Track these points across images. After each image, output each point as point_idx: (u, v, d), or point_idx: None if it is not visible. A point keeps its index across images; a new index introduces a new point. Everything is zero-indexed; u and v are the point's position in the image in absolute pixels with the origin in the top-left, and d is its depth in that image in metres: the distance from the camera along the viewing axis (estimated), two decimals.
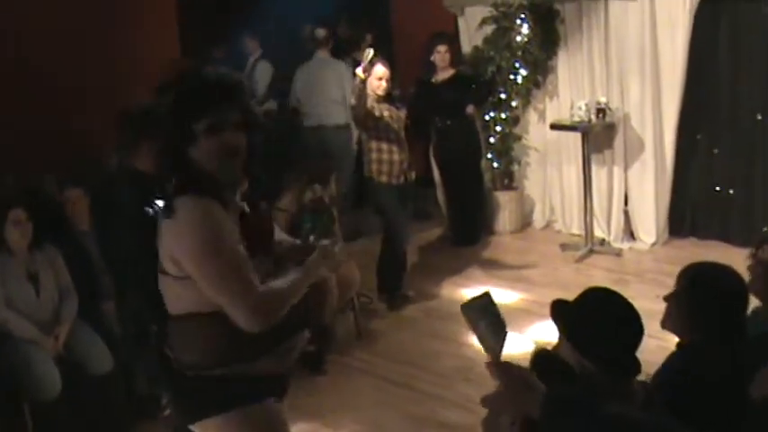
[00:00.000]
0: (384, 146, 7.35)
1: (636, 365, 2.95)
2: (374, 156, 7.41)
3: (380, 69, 7.32)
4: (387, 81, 7.34)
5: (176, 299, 3.20)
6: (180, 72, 3.20)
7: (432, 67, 8.87)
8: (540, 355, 3.00)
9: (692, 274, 3.50)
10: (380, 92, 7.32)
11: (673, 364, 3.42)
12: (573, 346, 2.93)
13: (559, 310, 3.04)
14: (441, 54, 8.79)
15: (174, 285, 3.17)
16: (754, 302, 3.80)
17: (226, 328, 3.11)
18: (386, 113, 7.35)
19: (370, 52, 7.00)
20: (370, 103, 7.27)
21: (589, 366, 2.88)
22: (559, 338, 3.02)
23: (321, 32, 9.49)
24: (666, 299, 3.53)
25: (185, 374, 3.25)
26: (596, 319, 2.96)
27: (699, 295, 3.40)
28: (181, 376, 3.27)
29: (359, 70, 6.97)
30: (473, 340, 6.98)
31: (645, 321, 2.97)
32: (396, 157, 7.38)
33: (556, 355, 3.05)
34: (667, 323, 3.51)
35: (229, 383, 3.20)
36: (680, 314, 3.45)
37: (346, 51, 9.93)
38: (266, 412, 3.32)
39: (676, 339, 3.55)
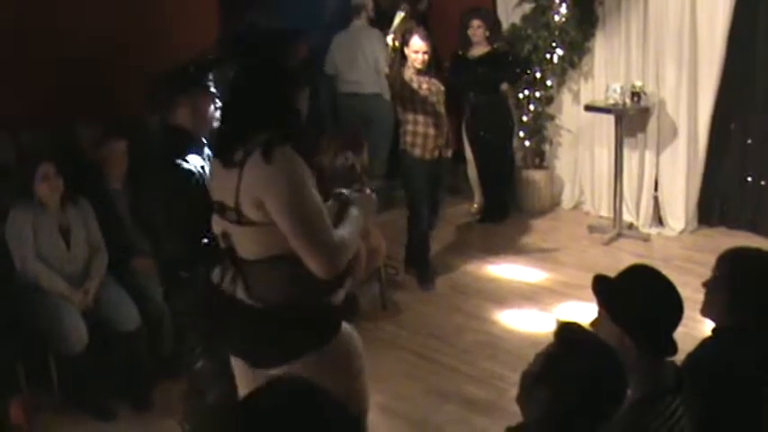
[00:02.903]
0: (420, 118, 7.24)
1: (673, 345, 2.95)
2: (410, 128, 7.30)
3: (417, 43, 7.19)
4: (424, 54, 7.21)
5: (258, 244, 3.35)
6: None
7: (468, 42, 8.83)
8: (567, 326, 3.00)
9: (733, 258, 3.45)
10: (418, 65, 7.18)
11: (708, 349, 3.38)
12: (613, 321, 2.93)
13: (602, 285, 3.04)
14: (474, 29, 8.72)
15: (256, 232, 3.32)
16: None
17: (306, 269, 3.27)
18: (424, 86, 7.23)
19: (399, 16, 6.94)
20: (409, 75, 7.19)
21: (628, 342, 2.88)
22: (598, 314, 3.02)
23: (358, 1, 9.44)
24: (705, 284, 3.47)
25: (270, 318, 3.37)
26: (640, 295, 2.96)
27: (741, 280, 3.35)
28: (265, 321, 3.39)
29: (389, 38, 6.91)
30: (498, 317, 6.94)
31: None
32: (431, 131, 7.27)
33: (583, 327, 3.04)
34: (706, 310, 3.46)
35: (316, 320, 3.40)
36: (719, 299, 3.39)
37: (384, 22, 9.82)
38: (349, 336, 3.55)
39: (704, 328, 3.52)
